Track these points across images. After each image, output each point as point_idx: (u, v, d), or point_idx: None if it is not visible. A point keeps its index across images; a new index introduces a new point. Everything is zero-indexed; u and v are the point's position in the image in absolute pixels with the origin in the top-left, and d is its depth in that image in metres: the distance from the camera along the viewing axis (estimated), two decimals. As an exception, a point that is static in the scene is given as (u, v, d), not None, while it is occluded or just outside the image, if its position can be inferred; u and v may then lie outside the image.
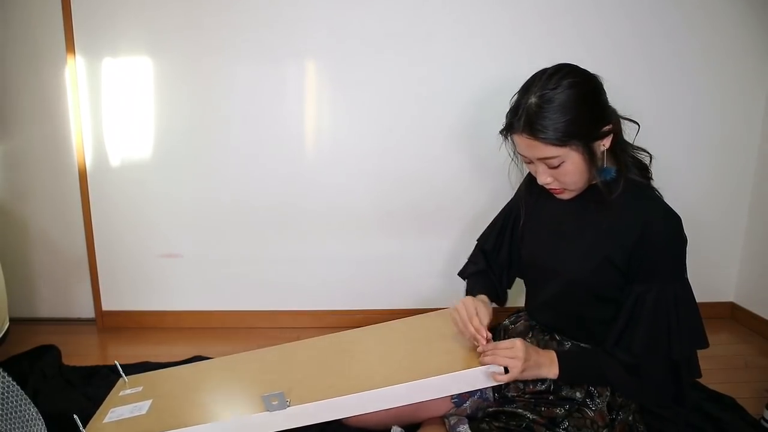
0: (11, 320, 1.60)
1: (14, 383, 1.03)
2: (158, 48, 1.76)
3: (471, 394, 1.14)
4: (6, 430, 0.99)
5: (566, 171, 1.00)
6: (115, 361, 1.36)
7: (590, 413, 1.05)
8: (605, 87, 1.02)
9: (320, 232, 1.89)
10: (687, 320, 0.98)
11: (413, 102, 1.80)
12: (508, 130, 1.03)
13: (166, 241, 1.90)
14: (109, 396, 1.29)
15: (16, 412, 1.02)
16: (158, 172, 1.84)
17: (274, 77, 1.77)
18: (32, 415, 1.04)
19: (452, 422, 1.09)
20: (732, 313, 2.03)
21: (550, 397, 1.07)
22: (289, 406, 1.05)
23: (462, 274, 1.35)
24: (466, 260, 1.36)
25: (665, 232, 0.98)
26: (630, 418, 1.09)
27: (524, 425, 1.04)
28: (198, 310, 1.95)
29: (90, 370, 1.60)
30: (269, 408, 1.05)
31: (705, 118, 1.87)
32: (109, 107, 1.79)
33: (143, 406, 1.19)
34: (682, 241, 1.00)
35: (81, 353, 1.74)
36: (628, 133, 1.07)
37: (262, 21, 1.73)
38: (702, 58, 1.81)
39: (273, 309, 1.96)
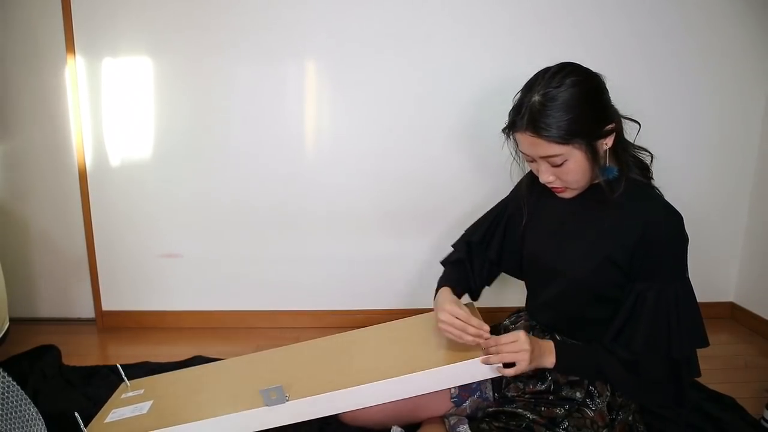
0: (11, 320, 1.59)
1: (14, 383, 1.03)
2: (158, 48, 1.76)
3: (471, 393, 1.14)
4: (6, 430, 0.99)
5: (569, 169, 1.00)
6: (117, 364, 1.37)
7: (590, 413, 1.05)
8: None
9: (320, 232, 1.89)
10: (687, 319, 0.98)
11: (412, 102, 1.80)
12: (510, 129, 1.03)
13: (166, 241, 1.90)
14: (111, 399, 1.30)
15: (16, 412, 1.02)
16: (158, 173, 1.84)
17: (274, 78, 1.77)
18: (32, 415, 1.04)
19: (452, 422, 1.09)
20: (732, 313, 2.03)
21: (550, 397, 1.07)
22: (288, 400, 1.05)
23: (444, 262, 1.33)
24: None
25: (667, 231, 0.98)
26: (630, 418, 1.09)
27: (524, 425, 1.04)
28: (198, 310, 1.95)
29: (90, 370, 1.60)
30: (268, 402, 1.05)
31: (705, 118, 1.87)
32: (109, 107, 1.79)
33: (144, 407, 1.19)
34: (684, 239, 1.00)
35: (81, 353, 1.74)
36: (629, 132, 1.07)
37: (262, 22, 1.73)
38: (701, 58, 1.81)
39: (273, 309, 1.96)
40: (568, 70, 0.98)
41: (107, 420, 1.17)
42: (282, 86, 1.79)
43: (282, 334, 1.87)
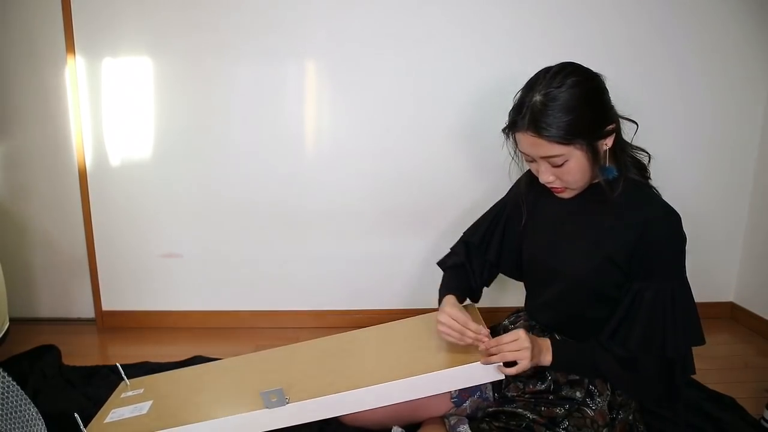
0: (11, 320, 1.59)
1: (14, 383, 1.03)
2: (158, 48, 1.76)
3: (471, 393, 1.14)
4: (6, 430, 0.99)
5: (569, 170, 1.00)
6: (117, 364, 1.37)
7: (590, 413, 1.05)
8: (604, 86, 1.02)
9: (320, 231, 1.89)
10: (684, 318, 0.98)
11: (412, 102, 1.80)
12: (511, 129, 1.02)
13: (166, 241, 1.90)
14: (110, 398, 1.30)
15: (16, 412, 1.02)
16: (158, 173, 1.84)
17: (274, 78, 1.77)
18: (32, 415, 1.04)
19: (452, 422, 1.09)
20: (732, 313, 2.03)
21: (550, 397, 1.07)
22: (288, 402, 1.05)
23: (442, 264, 1.33)
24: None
25: (665, 230, 0.98)
26: (630, 418, 1.09)
27: (524, 425, 1.04)
28: (198, 310, 1.95)
29: (90, 370, 1.60)
30: (268, 405, 1.05)
31: (705, 118, 1.87)
32: (109, 107, 1.79)
33: (144, 407, 1.19)
34: (682, 238, 1.00)
35: (81, 353, 1.74)
36: (627, 132, 1.07)
37: (262, 23, 1.73)
38: (702, 58, 1.81)
39: (273, 309, 1.96)
40: (569, 70, 0.98)
41: (107, 420, 1.17)
42: (282, 86, 1.79)
43: (282, 334, 1.87)
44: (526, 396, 1.09)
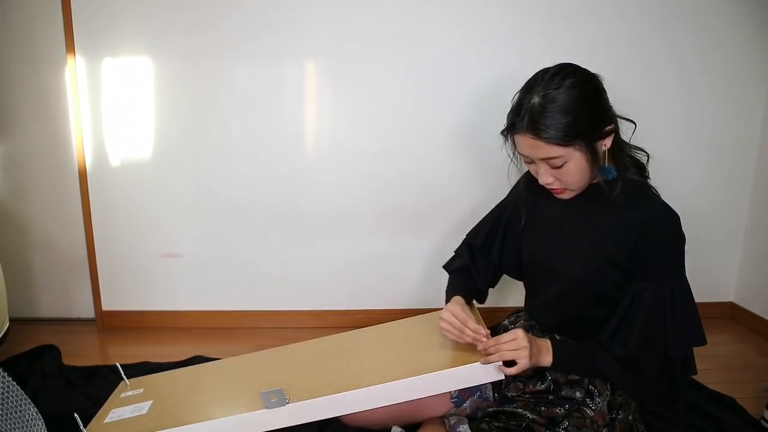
0: (11, 320, 1.59)
1: (14, 383, 1.03)
2: (158, 48, 1.76)
3: (471, 393, 1.14)
4: (6, 430, 0.99)
5: (569, 171, 0.99)
6: (117, 363, 1.37)
7: (590, 413, 1.05)
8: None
9: (320, 231, 1.89)
10: (684, 318, 0.98)
11: (411, 102, 1.80)
12: (510, 131, 1.02)
13: (166, 241, 1.90)
14: (110, 398, 1.30)
15: (16, 412, 1.02)
16: (158, 172, 1.84)
17: (274, 78, 1.78)
18: (32, 415, 1.05)
19: (452, 422, 1.09)
20: (732, 313, 2.03)
21: (550, 397, 1.07)
22: (288, 402, 1.05)
23: (447, 267, 1.34)
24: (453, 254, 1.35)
25: (664, 230, 0.98)
26: (630, 418, 1.09)
27: (524, 425, 1.04)
28: (198, 310, 1.96)
29: (90, 370, 1.60)
30: (268, 405, 1.05)
31: (705, 118, 1.87)
32: (109, 107, 1.79)
33: (144, 407, 1.19)
34: (681, 238, 1.00)
35: (81, 353, 1.74)
36: (625, 132, 1.07)
37: (262, 23, 1.73)
38: (702, 58, 1.81)
39: (273, 309, 1.96)
40: (567, 72, 0.98)
41: (107, 420, 1.17)
42: (282, 86, 1.79)
43: (282, 334, 1.87)
44: (526, 396, 1.09)
